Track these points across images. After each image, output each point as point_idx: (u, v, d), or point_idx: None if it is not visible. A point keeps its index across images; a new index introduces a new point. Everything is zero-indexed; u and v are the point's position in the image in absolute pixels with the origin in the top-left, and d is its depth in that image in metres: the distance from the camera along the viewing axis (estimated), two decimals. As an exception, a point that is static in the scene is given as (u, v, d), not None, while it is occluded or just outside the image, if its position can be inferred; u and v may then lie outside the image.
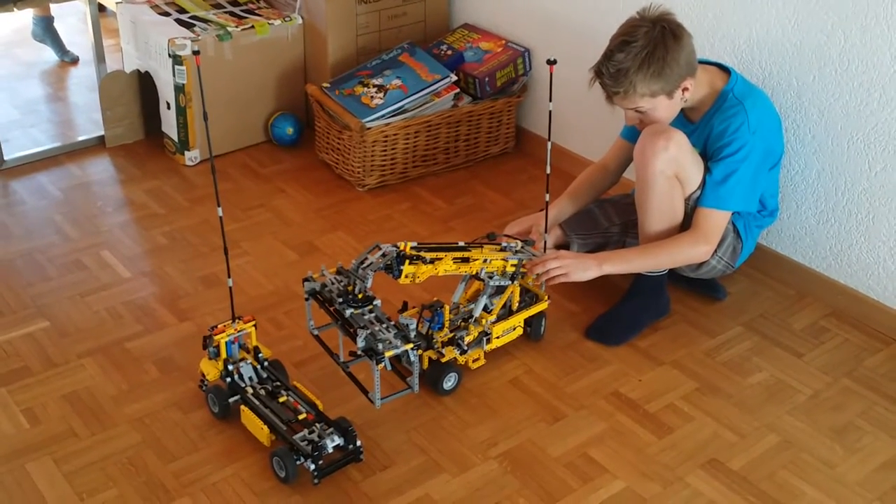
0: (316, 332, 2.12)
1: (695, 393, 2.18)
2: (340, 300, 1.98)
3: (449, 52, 3.15)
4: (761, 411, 2.14)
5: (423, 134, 3.00)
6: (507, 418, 2.10)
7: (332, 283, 2.03)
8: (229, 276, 2.02)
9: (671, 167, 2.20)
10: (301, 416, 1.94)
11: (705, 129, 2.27)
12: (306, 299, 2.07)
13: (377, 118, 2.92)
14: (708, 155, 2.26)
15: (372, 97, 2.97)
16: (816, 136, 2.41)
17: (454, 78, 3.03)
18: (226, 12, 3.20)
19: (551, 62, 2.15)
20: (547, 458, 2.00)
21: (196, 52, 1.83)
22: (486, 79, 3.05)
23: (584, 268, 2.23)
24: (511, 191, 3.02)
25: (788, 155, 2.48)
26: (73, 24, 4.16)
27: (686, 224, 2.28)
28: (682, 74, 2.16)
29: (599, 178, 2.52)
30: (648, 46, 2.11)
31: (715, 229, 2.25)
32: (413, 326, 2.01)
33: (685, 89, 2.19)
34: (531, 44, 3.11)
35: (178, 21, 3.10)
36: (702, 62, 2.26)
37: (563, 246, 2.51)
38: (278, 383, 2.04)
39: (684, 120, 2.32)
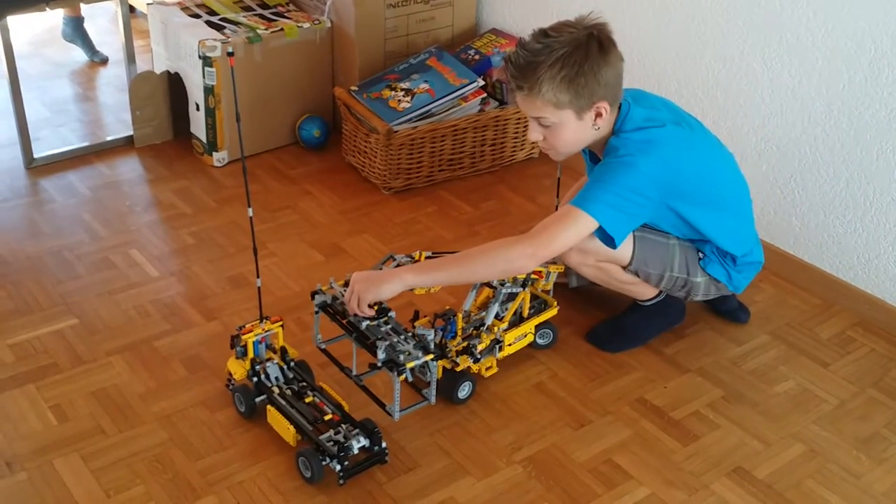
0: (323, 346, 2.12)
1: (720, 401, 2.18)
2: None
3: (476, 57, 3.16)
4: (787, 420, 2.13)
5: (450, 138, 3.01)
6: (532, 423, 2.10)
7: (342, 296, 2.01)
8: (258, 276, 2.03)
9: (587, 258, 2.15)
10: (327, 417, 1.94)
11: None
12: (316, 312, 2.06)
13: (404, 122, 2.93)
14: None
15: (399, 101, 2.98)
16: (846, 145, 2.40)
17: (481, 82, 3.04)
18: (255, 15, 3.22)
19: None
20: (572, 463, 1.99)
21: (230, 54, 1.84)
22: (514, 84, 3.05)
23: (376, 284, 1.92)
24: (536, 195, 3.02)
25: (817, 164, 2.47)
26: (103, 25, 4.20)
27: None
28: (596, 92, 1.93)
29: None
30: (567, 46, 1.89)
31: (555, 228, 1.95)
32: (431, 336, 1.98)
33: (598, 115, 1.97)
34: (559, 49, 3.10)
35: (209, 23, 3.12)
36: None
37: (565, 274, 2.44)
38: (304, 384, 2.05)
39: (589, 159, 2.19)
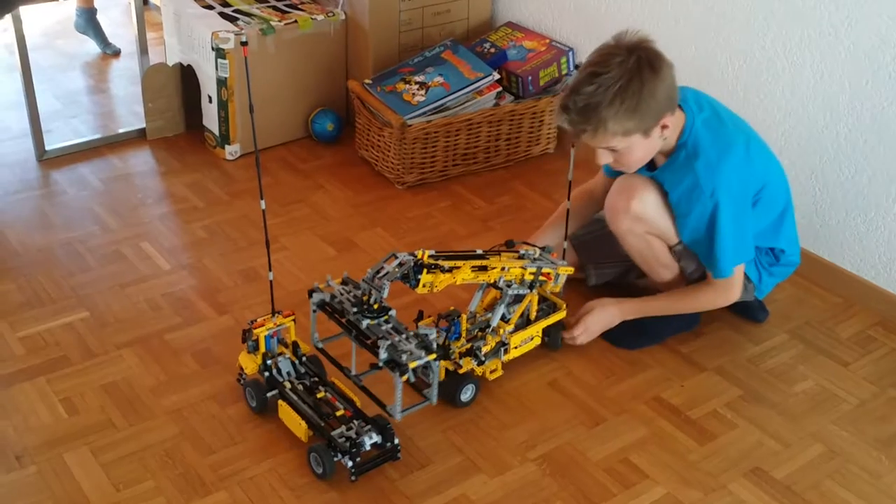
0: (321, 346, 2.08)
1: (738, 400, 2.15)
2: (355, 310, 1.92)
3: (492, 51, 3.13)
4: (806, 420, 2.10)
5: (464, 132, 2.98)
6: (546, 420, 2.08)
7: (341, 294, 1.97)
8: (270, 270, 2.01)
9: (638, 226, 2.14)
10: (339, 413, 1.92)
11: (661, 183, 2.14)
12: (314, 311, 2.02)
13: (418, 115, 2.91)
14: (676, 219, 2.16)
15: (413, 94, 2.95)
16: (868, 141, 2.36)
17: (497, 76, 3.01)
18: (269, 6, 3.20)
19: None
20: (587, 461, 1.97)
21: (244, 43, 1.82)
22: (529, 78, 3.02)
23: (607, 318, 2.24)
24: (551, 192, 2.98)
25: (839, 161, 2.43)
26: (115, 17, 4.18)
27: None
28: (659, 110, 1.95)
29: (584, 204, 2.38)
30: (622, 79, 1.88)
31: (731, 283, 2.18)
32: (433, 336, 1.92)
33: (664, 126, 1.99)
34: (575, 43, 3.08)
35: (222, 14, 3.09)
36: None
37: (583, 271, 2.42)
38: (316, 379, 2.02)
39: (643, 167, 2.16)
